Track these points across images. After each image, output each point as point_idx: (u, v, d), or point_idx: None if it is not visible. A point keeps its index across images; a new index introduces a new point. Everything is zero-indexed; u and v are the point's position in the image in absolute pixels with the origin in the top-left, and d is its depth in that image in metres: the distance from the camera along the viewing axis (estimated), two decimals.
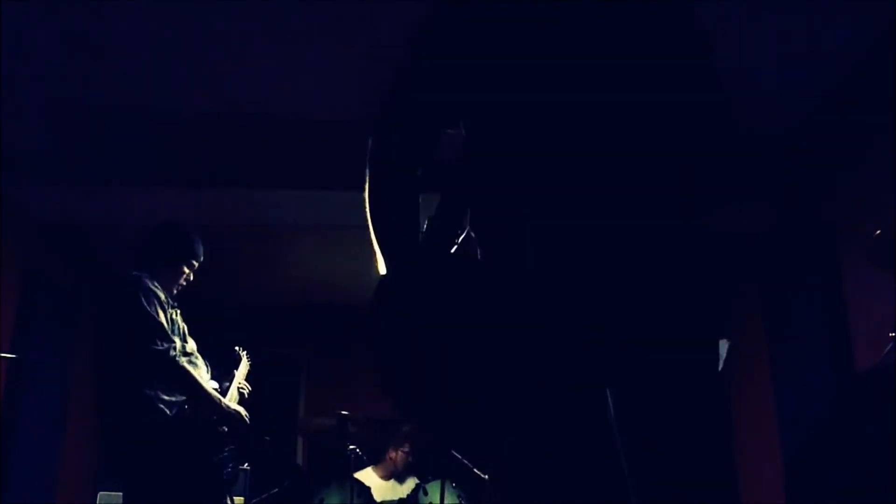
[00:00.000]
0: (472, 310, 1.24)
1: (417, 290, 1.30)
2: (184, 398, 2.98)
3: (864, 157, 4.15)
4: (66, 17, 3.76)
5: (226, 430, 3.11)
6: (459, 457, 4.73)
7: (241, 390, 3.42)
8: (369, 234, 1.38)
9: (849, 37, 3.76)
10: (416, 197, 1.39)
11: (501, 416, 1.25)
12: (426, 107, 1.39)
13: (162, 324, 2.99)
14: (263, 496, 4.71)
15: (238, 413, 3.20)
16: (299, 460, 7.16)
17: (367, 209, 1.38)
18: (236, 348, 3.75)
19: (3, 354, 4.48)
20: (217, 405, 3.10)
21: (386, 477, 5.37)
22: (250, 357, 3.69)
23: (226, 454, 3.07)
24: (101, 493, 4.98)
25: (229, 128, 4.74)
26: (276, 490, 4.70)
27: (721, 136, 1.30)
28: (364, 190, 1.39)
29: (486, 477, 4.65)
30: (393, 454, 5.35)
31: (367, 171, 1.39)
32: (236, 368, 3.56)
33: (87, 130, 4.71)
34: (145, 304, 2.99)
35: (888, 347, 2.82)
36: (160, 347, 2.94)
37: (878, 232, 2.91)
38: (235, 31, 3.91)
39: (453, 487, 4.38)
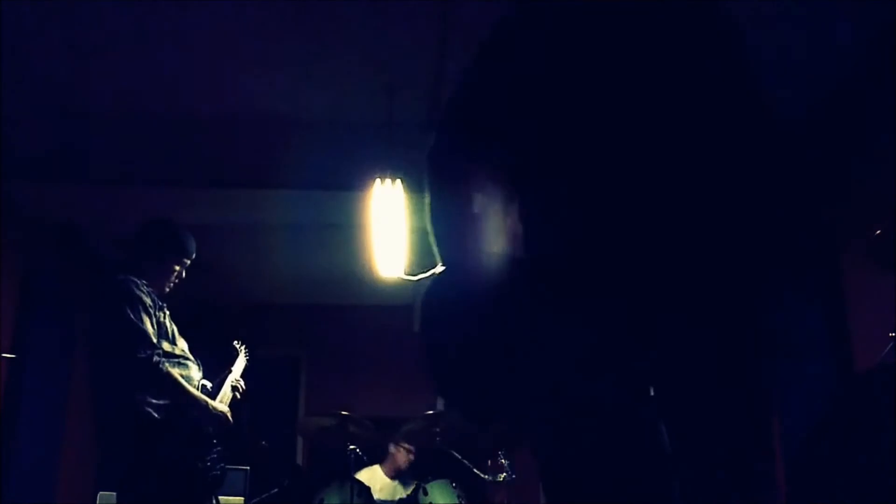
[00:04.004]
0: (522, 306, 1.28)
1: (471, 288, 1.35)
2: (171, 401, 2.98)
3: (865, 156, 4.15)
4: (67, 18, 3.76)
5: (213, 430, 3.11)
6: (459, 457, 4.73)
7: (234, 388, 3.40)
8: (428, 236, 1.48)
9: (850, 36, 3.76)
10: (472, 201, 1.43)
11: (546, 411, 1.29)
12: (485, 118, 1.43)
13: (145, 330, 2.97)
14: (263, 496, 4.70)
15: (225, 414, 3.19)
16: (299, 460, 7.15)
17: (427, 212, 1.48)
18: (234, 343, 3.73)
19: (3, 354, 4.48)
20: (204, 407, 3.09)
21: (391, 475, 5.40)
22: (248, 353, 3.67)
23: (213, 455, 3.07)
24: (100, 493, 4.98)
25: (229, 128, 4.74)
26: (276, 490, 4.69)
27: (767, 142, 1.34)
28: (425, 193, 1.49)
29: (487, 477, 4.65)
30: (394, 450, 5.38)
31: (427, 177, 1.48)
32: (232, 365, 3.54)
33: (87, 130, 4.71)
34: (129, 311, 2.96)
35: (888, 347, 2.82)
36: (144, 355, 2.93)
37: (879, 231, 2.91)
38: (235, 32, 3.91)
39: (453, 487, 4.38)
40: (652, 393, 1.27)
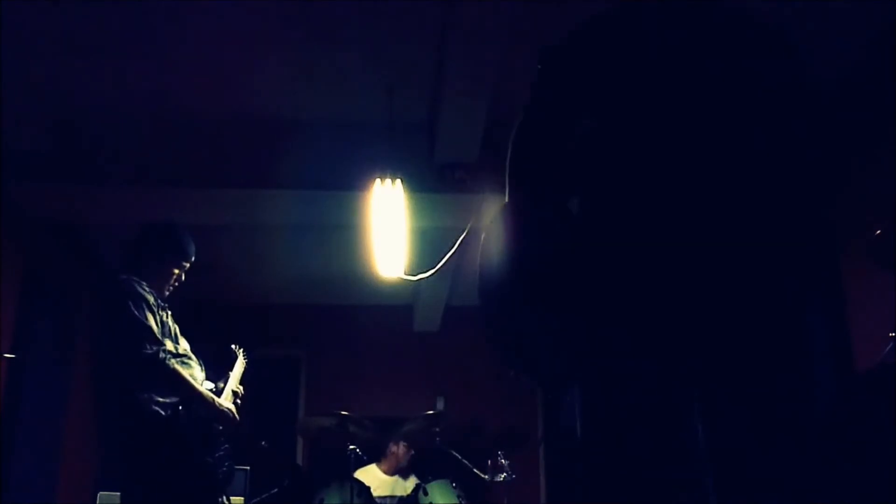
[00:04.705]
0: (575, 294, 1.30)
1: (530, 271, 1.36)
2: (177, 399, 2.98)
3: (865, 156, 4.15)
4: (67, 18, 3.76)
5: (220, 429, 3.11)
6: (459, 457, 4.73)
7: (235, 393, 3.39)
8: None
9: (850, 35, 3.76)
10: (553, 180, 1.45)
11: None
12: (565, 102, 1.46)
13: (150, 327, 2.97)
14: (263, 496, 4.70)
15: (231, 411, 3.19)
16: (299, 460, 7.15)
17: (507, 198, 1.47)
18: (233, 346, 3.72)
19: (3, 354, 4.48)
20: (211, 405, 3.09)
21: (389, 472, 5.40)
22: (247, 356, 3.66)
23: (221, 453, 3.06)
24: (100, 493, 4.98)
25: (229, 128, 4.74)
26: (276, 490, 4.69)
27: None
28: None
29: (486, 477, 4.65)
30: (395, 448, 5.37)
31: (510, 150, 1.48)
32: (231, 369, 3.53)
33: (87, 130, 4.72)
34: (133, 308, 2.96)
35: (888, 347, 2.82)
36: (150, 351, 2.93)
37: (879, 231, 2.91)
38: (236, 32, 3.92)
39: (453, 487, 4.38)
40: (693, 393, 1.28)
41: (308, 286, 7.01)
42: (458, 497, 4.34)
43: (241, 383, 3.49)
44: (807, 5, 3.52)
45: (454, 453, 4.73)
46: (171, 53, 4.07)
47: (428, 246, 4.94)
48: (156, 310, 3.07)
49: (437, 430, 4.66)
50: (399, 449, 5.38)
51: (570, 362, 1.31)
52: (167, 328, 3.12)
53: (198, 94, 4.44)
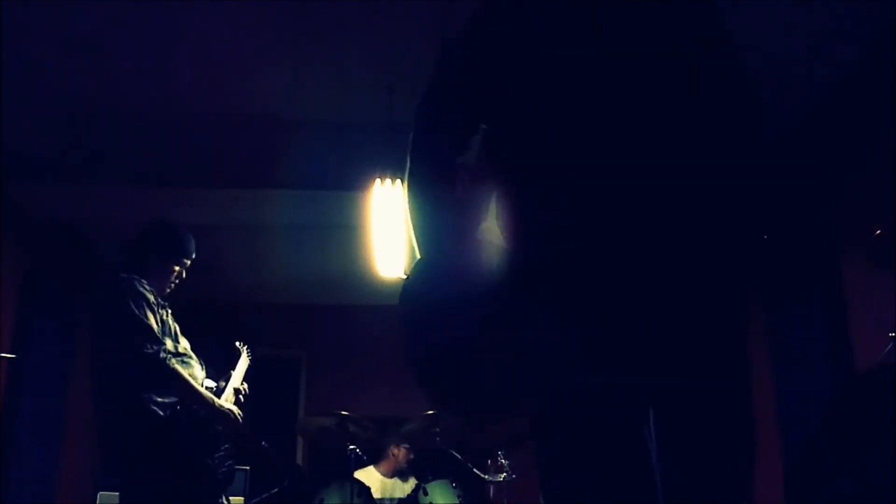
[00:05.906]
0: (517, 304, 1.24)
1: (462, 285, 1.28)
2: (176, 399, 2.97)
3: (865, 156, 4.15)
4: (67, 17, 3.76)
5: (220, 429, 3.10)
6: (459, 457, 4.73)
7: (237, 391, 3.39)
8: (406, 223, 1.39)
9: (849, 36, 3.76)
10: (452, 188, 1.37)
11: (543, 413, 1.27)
12: (462, 102, 1.40)
13: (151, 326, 2.97)
14: (263, 496, 4.70)
15: (231, 412, 3.19)
16: (299, 460, 7.15)
17: (405, 199, 1.39)
18: (237, 344, 3.71)
19: (3, 354, 4.48)
20: (210, 405, 3.09)
21: (388, 474, 5.40)
22: (250, 354, 3.66)
23: (221, 454, 3.06)
24: (101, 493, 4.98)
25: (229, 128, 4.74)
26: (276, 490, 4.69)
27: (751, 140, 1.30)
28: (404, 181, 1.40)
29: (486, 477, 4.65)
30: (395, 450, 5.37)
31: (407, 162, 1.40)
32: (233, 368, 3.53)
33: (87, 130, 4.71)
34: (133, 307, 2.96)
35: (888, 347, 2.82)
36: (150, 350, 2.93)
37: (879, 231, 2.92)
38: (236, 31, 3.91)
39: (453, 487, 4.38)
40: (644, 399, 1.25)
41: (308, 286, 7.00)
42: (458, 497, 4.34)
43: (244, 381, 3.49)
44: (807, 5, 3.52)
45: (454, 453, 4.72)
46: (171, 53, 4.07)
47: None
48: (156, 308, 3.07)
49: (437, 430, 4.66)
50: (399, 452, 5.38)
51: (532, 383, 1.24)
52: (167, 327, 3.12)
53: (198, 93, 4.44)
